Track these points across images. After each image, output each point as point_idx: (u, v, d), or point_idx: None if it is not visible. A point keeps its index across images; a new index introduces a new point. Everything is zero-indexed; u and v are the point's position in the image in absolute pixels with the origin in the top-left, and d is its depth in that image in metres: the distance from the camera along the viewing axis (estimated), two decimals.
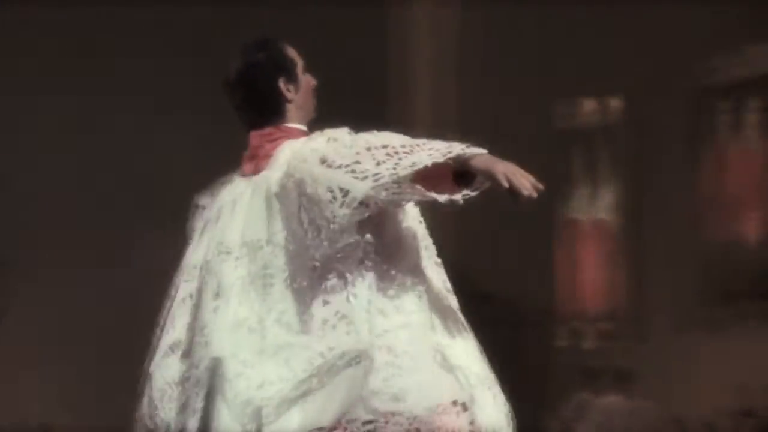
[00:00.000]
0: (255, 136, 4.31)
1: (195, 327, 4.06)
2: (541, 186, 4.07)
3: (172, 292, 4.26)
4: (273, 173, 4.21)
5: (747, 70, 14.69)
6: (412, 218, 4.31)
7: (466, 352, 4.20)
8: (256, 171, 4.28)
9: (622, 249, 16.30)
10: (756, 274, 14.45)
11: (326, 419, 3.90)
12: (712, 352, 14.18)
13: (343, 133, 4.20)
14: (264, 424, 3.91)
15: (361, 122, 4.29)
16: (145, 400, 4.13)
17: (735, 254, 14.79)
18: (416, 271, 4.20)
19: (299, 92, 4.38)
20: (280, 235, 4.08)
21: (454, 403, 4.05)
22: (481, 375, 4.20)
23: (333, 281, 4.04)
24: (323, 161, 4.06)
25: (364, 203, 3.99)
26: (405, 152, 4.05)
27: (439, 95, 16.06)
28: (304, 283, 4.03)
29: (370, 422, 3.91)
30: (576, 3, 14.98)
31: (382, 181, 3.99)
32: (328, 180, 4.02)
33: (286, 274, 4.03)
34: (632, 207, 16.19)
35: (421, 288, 4.15)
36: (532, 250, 15.72)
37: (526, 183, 4.01)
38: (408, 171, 3.99)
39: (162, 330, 4.21)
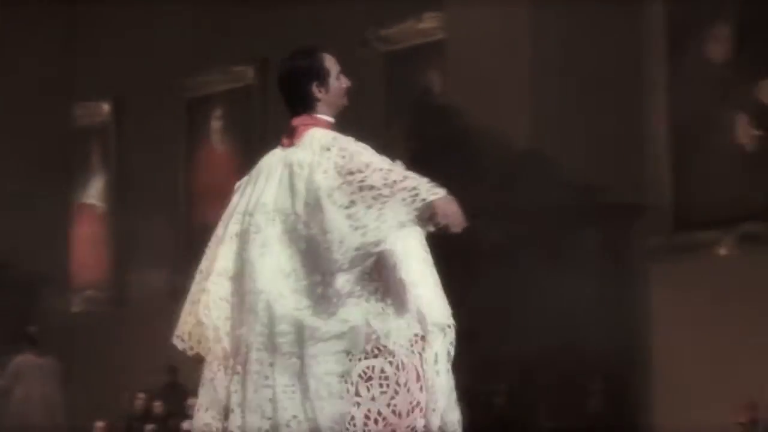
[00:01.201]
0: (294, 120, 5.03)
1: (243, 260, 4.84)
2: (466, 224, 4.75)
3: (219, 231, 5.01)
4: (300, 150, 4.96)
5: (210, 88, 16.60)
6: None
7: None
8: (290, 145, 5.01)
9: (112, 230, 17.76)
10: None
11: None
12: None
13: (345, 158, 4.84)
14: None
15: None
16: (201, 306, 4.96)
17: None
18: None
19: (329, 93, 5.05)
20: (301, 210, 4.83)
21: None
22: None
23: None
24: (330, 195, 4.74)
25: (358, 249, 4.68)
26: (386, 197, 4.70)
27: None
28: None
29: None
30: None
31: (368, 237, 4.67)
32: (330, 222, 4.71)
33: (300, 248, 4.81)
34: (121, 194, 17.71)
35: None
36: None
37: (457, 222, 4.75)
38: (393, 227, 4.69)
39: (211, 258, 4.98)
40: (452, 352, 4.94)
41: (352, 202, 4.72)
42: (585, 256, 11.98)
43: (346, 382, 4.70)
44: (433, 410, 4.86)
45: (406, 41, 14.55)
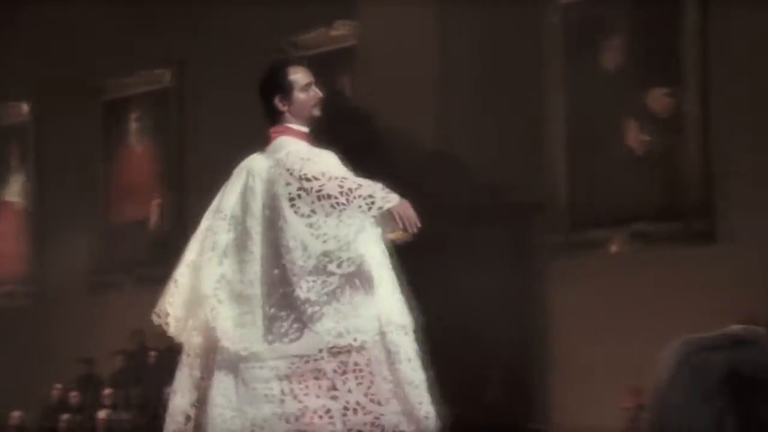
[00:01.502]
0: (271, 129, 5.19)
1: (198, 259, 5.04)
2: (419, 225, 4.91)
3: (201, 223, 5.22)
4: (264, 158, 5.09)
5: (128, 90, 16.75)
6: None
7: None
8: (262, 152, 5.18)
9: (32, 226, 17.77)
10: (153, 246, 16.17)
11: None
12: (112, 303, 16.01)
13: (301, 163, 4.94)
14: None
15: None
16: (168, 295, 5.13)
17: (137, 230, 16.50)
18: None
19: (293, 105, 5.13)
20: (260, 216, 4.98)
21: None
22: None
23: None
24: (292, 204, 4.85)
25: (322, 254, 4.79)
26: (343, 205, 4.82)
27: None
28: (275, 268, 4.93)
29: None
30: None
31: (329, 245, 4.81)
32: (293, 230, 4.81)
33: (259, 253, 4.95)
34: (41, 192, 17.73)
35: None
36: None
37: (411, 223, 4.93)
38: (351, 234, 4.83)
39: (189, 248, 5.18)
40: (418, 350, 5.03)
41: (313, 212, 4.86)
42: (488, 253, 12.14)
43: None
44: (420, 404, 4.97)
45: (319, 47, 14.82)
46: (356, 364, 4.94)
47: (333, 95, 13.77)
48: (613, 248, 12.58)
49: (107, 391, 14.63)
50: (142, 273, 15.97)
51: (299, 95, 5.18)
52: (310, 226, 4.88)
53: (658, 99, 12.40)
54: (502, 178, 12.44)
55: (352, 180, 5.00)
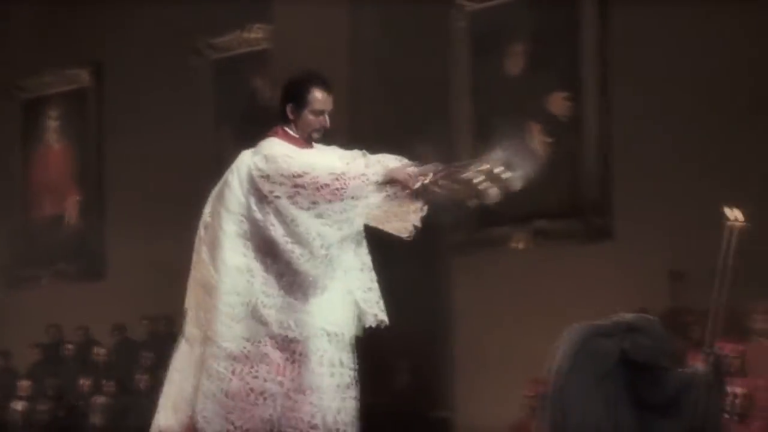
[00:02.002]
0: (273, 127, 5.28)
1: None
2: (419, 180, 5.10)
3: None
4: (253, 153, 5.23)
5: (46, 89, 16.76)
6: None
7: None
8: (253, 148, 5.35)
9: None
10: (70, 242, 16.15)
11: None
12: (30, 297, 16.01)
13: (287, 162, 5.07)
14: None
15: None
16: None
17: (55, 226, 16.44)
18: None
19: (299, 119, 5.28)
20: (233, 214, 5.19)
21: None
22: None
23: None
24: (292, 200, 4.99)
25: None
26: (342, 189, 5.02)
27: None
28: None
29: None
30: None
31: (344, 230, 5.06)
32: (305, 224, 4.97)
33: (230, 245, 5.16)
34: None
35: None
36: None
37: (411, 181, 5.19)
38: (359, 215, 5.07)
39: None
40: (345, 360, 5.26)
41: (314, 203, 5.06)
42: (397, 249, 12.34)
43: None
44: (328, 408, 5.20)
45: (234, 49, 14.94)
46: (301, 354, 5.18)
47: (249, 95, 14.05)
48: (516, 245, 12.82)
49: (24, 382, 14.64)
50: (59, 268, 16.17)
51: (308, 115, 5.34)
52: (320, 216, 5.06)
53: (558, 102, 12.65)
54: None
55: (338, 165, 5.17)
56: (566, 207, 12.47)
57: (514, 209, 12.61)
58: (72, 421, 14.05)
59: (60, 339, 15.19)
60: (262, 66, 14.25)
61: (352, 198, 5.09)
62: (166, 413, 5.39)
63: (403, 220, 5.53)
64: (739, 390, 8.69)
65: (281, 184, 5.14)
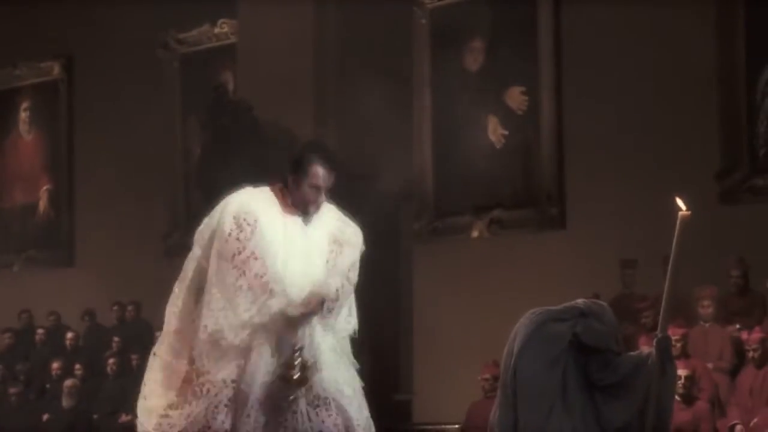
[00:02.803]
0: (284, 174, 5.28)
1: None
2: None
3: None
4: (249, 197, 5.24)
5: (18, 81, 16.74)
6: None
7: None
8: (254, 188, 5.34)
9: None
10: (42, 230, 16.18)
11: None
12: (1, 284, 15.97)
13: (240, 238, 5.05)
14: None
15: None
16: None
17: (27, 214, 16.42)
18: None
19: (295, 189, 5.14)
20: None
21: None
22: None
23: None
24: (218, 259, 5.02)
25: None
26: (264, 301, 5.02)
27: None
28: None
29: None
30: None
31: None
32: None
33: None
34: None
35: None
36: None
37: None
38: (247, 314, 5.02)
39: None
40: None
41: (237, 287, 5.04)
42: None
43: None
44: None
45: (203, 44, 14.94)
46: None
47: (215, 89, 14.09)
48: (474, 234, 12.90)
49: None
50: (31, 255, 16.16)
51: (306, 188, 5.19)
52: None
53: (515, 97, 12.76)
54: (372, 168, 12.64)
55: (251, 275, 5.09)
56: (521, 197, 12.58)
57: (472, 199, 12.80)
58: (42, 403, 14.04)
59: (31, 324, 15.18)
60: (229, 60, 14.26)
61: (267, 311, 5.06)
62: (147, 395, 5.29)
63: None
64: (681, 372, 8.81)
65: (226, 241, 5.12)
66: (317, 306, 5.11)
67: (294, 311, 5.07)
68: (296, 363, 5.06)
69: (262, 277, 5.08)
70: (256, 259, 5.11)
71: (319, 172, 5.16)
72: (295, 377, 5.07)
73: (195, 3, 14.33)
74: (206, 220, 5.25)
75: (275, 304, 5.06)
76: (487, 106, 12.78)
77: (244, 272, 5.08)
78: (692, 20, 11.51)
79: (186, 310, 5.26)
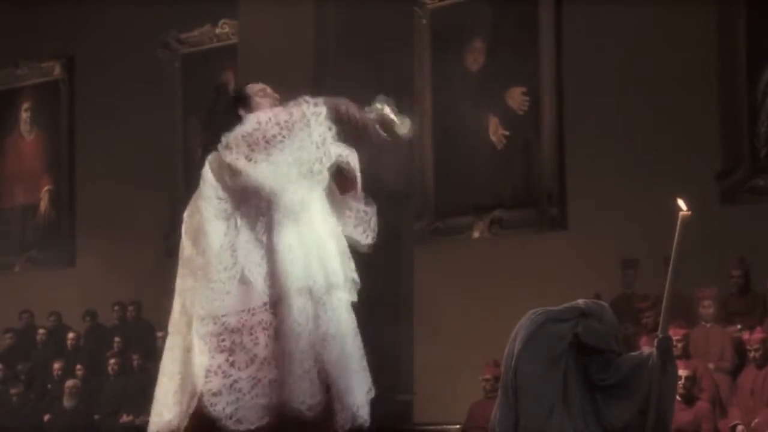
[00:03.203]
0: None
1: None
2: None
3: None
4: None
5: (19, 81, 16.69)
6: None
7: None
8: None
9: None
10: (42, 230, 16.11)
11: None
12: (2, 284, 15.94)
13: (239, 131, 5.30)
14: None
15: None
16: None
17: (27, 215, 16.36)
18: None
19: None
20: (209, 199, 5.46)
21: None
22: None
23: None
24: (249, 158, 5.28)
25: None
26: (287, 132, 5.27)
27: None
28: None
29: None
30: None
31: (303, 167, 5.26)
32: (260, 174, 5.27)
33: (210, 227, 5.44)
34: None
35: None
36: None
37: (352, 116, 5.50)
38: (315, 148, 5.34)
39: None
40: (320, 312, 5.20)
41: (269, 154, 5.24)
42: None
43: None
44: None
45: (204, 44, 14.95)
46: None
47: (216, 89, 14.09)
48: (475, 234, 12.91)
49: None
50: (32, 255, 16.17)
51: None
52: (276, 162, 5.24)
53: (516, 97, 12.77)
54: (373, 168, 12.62)
55: (281, 112, 5.33)
56: (522, 197, 12.58)
57: (473, 199, 12.80)
58: (43, 403, 14.05)
59: (32, 325, 15.18)
60: (230, 61, 14.27)
61: (303, 138, 5.24)
62: (164, 410, 5.33)
63: (360, 224, 5.65)
64: (682, 372, 8.81)
65: (237, 146, 5.27)
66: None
67: None
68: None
69: None
70: None
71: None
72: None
73: (196, 3, 14.35)
74: None
75: None
76: (488, 106, 12.80)
77: None
78: (693, 20, 11.52)
79: None
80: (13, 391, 14.06)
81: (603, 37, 12.05)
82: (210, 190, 5.40)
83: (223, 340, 5.19)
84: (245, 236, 5.31)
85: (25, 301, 15.39)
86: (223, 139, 5.36)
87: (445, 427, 11.77)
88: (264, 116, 5.37)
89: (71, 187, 16.15)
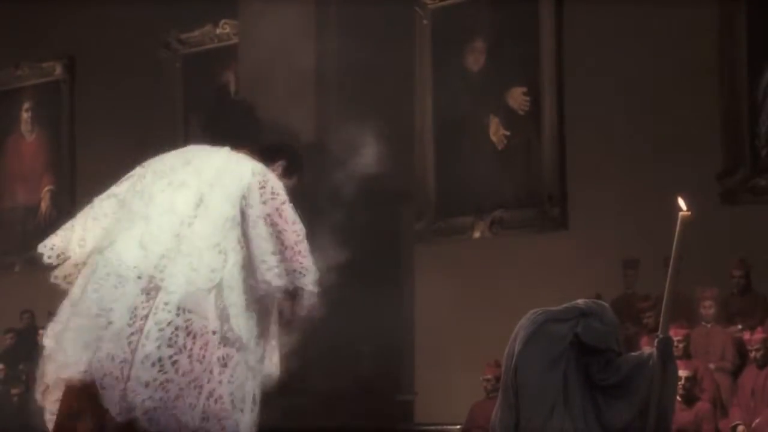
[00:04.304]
0: None
1: None
2: None
3: None
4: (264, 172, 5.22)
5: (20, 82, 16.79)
6: None
7: None
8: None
9: None
10: (43, 230, 16.17)
11: None
12: (3, 284, 15.94)
13: None
14: None
15: None
16: None
17: (28, 215, 16.51)
18: None
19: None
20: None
21: None
22: None
23: None
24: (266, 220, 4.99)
25: None
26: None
27: None
28: None
29: None
30: None
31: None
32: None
33: None
34: None
35: None
36: None
37: None
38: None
39: None
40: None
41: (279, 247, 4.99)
42: (362, 238, 12.34)
43: None
44: None
45: (205, 45, 14.99)
46: None
47: (217, 89, 14.11)
48: (476, 234, 12.93)
49: None
50: (32, 255, 15.94)
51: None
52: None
53: (516, 97, 12.78)
54: (374, 169, 12.59)
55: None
56: (523, 198, 12.62)
57: (474, 199, 12.81)
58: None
59: (33, 325, 15.05)
60: (230, 61, 14.27)
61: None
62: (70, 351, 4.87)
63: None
64: (683, 372, 8.81)
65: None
66: None
67: None
68: None
69: None
70: None
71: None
72: None
73: (197, 3, 14.35)
74: None
75: None
76: (489, 106, 12.83)
77: None
78: (694, 21, 11.52)
79: None
80: (14, 391, 14.06)
81: (603, 38, 12.06)
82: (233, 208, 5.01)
83: (177, 336, 4.86)
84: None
85: (25, 301, 15.17)
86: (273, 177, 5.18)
87: (445, 427, 11.79)
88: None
89: (72, 187, 16.17)
